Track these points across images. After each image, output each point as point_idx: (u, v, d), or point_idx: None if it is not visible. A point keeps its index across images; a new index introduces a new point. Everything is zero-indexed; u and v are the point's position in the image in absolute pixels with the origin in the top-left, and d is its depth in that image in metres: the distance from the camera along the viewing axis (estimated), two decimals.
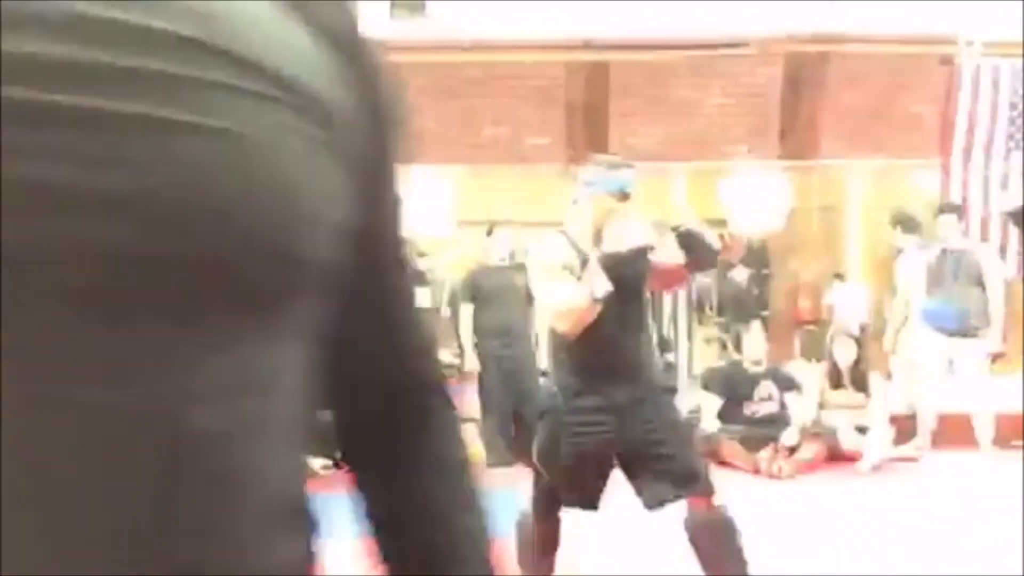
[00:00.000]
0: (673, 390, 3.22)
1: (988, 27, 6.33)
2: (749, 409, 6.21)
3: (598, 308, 2.79)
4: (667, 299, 10.09)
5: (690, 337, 8.37)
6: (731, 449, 5.94)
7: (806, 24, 6.43)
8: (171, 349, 0.49)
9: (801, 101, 6.53)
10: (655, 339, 11.10)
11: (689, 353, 7.98)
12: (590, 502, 3.05)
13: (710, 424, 6.15)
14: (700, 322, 9.45)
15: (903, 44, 6.37)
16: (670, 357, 9.61)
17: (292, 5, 0.55)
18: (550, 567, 3.16)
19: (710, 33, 6.39)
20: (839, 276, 7.65)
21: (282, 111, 0.52)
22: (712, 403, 6.25)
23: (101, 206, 0.45)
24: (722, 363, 6.97)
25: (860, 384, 6.20)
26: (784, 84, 6.52)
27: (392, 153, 0.65)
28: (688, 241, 3.03)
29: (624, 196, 2.94)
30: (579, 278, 2.83)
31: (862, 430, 6.07)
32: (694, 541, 3.01)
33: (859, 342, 6.32)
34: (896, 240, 6.62)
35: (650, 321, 3.18)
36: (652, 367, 3.16)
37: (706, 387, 6.50)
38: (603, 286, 2.76)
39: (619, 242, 2.84)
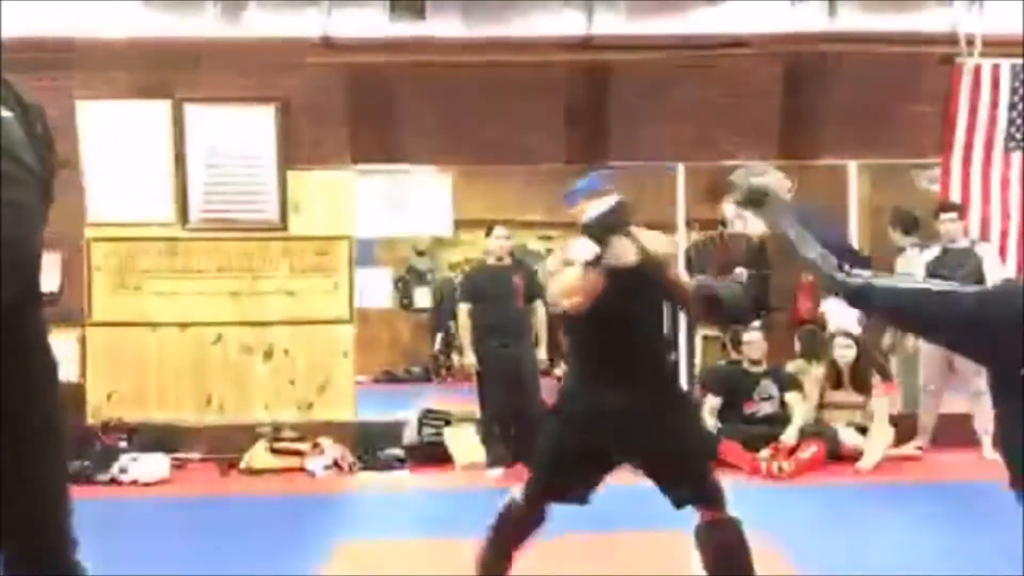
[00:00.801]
0: (689, 396, 3.19)
1: (988, 26, 6.33)
2: (749, 409, 6.21)
3: (597, 278, 2.85)
4: None
5: (690, 336, 8.35)
6: (731, 448, 5.93)
7: (806, 24, 6.43)
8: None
9: (801, 101, 6.52)
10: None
11: (689, 352, 7.97)
12: (580, 497, 3.12)
13: (710, 423, 6.14)
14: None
15: (903, 44, 6.36)
16: (670, 356, 9.63)
17: (14, 116, 1.05)
18: (512, 553, 3.19)
19: (710, 33, 6.38)
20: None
21: (32, 190, 1.00)
22: (712, 402, 6.25)
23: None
24: (722, 363, 6.97)
25: (860, 384, 6.20)
26: (784, 84, 6.51)
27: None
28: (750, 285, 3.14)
29: (599, 194, 3.09)
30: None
31: (862, 430, 6.07)
32: (700, 549, 3.03)
33: (859, 342, 6.32)
34: (896, 240, 6.62)
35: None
36: (667, 372, 3.20)
37: (705, 386, 6.50)
38: (588, 250, 2.87)
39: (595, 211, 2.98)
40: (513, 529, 3.19)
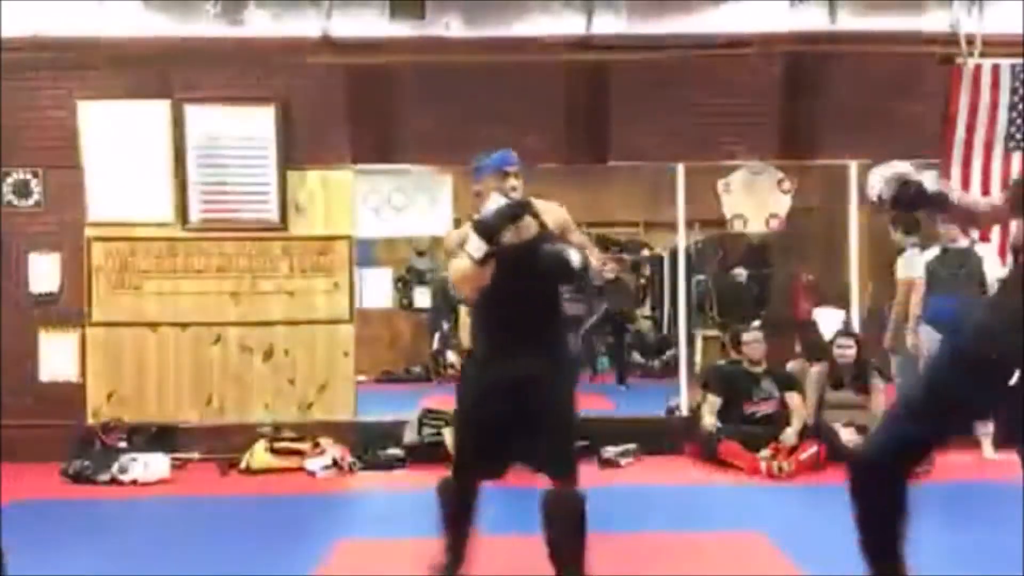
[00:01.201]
0: (573, 371, 3.40)
1: (988, 26, 6.33)
2: (749, 409, 6.21)
3: (486, 269, 3.02)
4: (667, 298, 10.08)
5: (690, 336, 8.36)
6: (731, 448, 5.93)
7: (806, 24, 6.43)
8: None
9: (801, 101, 6.52)
10: (652, 337, 11.00)
11: (689, 352, 7.98)
12: (493, 469, 3.29)
13: (709, 424, 6.15)
14: (700, 321, 9.46)
15: (903, 44, 6.36)
16: (669, 355, 9.64)
17: None
18: (469, 533, 3.36)
19: (710, 33, 6.39)
20: (824, 303, 7.87)
21: None
22: (712, 402, 6.25)
23: None
24: (722, 362, 6.97)
25: (861, 384, 6.19)
26: (784, 84, 6.51)
27: None
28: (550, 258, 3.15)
29: (503, 174, 3.21)
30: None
31: (863, 430, 6.06)
32: (543, 514, 3.17)
33: (859, 342, 6.32)
34: (897, 240, 6.62)
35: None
36: (561, 343, 3.34)
37: (706, 386, 6.50)
38: (478, 247, 2.99)
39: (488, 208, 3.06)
40: (454, 510, 3.34)
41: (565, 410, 3.29)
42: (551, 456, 3.18)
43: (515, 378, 3.13)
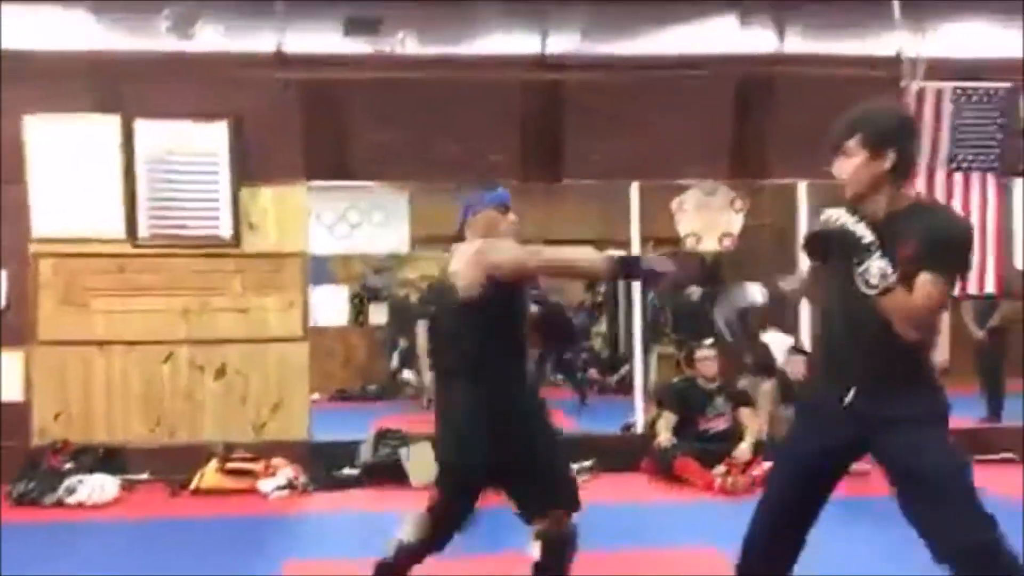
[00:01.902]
0: (543, 406, 3.31)
1: (931, 50, 6.50)
2: (703, 425, 6.27)
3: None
4: (622, 315, 10.15)
5: (646, 353, 8.41)
6: (686, 465, 5.98)
7: (756, 47, 6.55)
8: None
9: (752, 122, 6.64)
10: (608, 354, 11.03)
11: (644, 369, 8.02)
12: (467, 521, 3.15)
13: (665, 440, 6.19)
14: (655, 338, 9.53)
15: (850, 67, 6.51)
16: (624, 371, 9.69)
17: None
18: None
19: (663, 54, 6.48)
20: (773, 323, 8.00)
21: None
22: (669, 419, 6.29)
23: None
24: (676, 379, 7.03)
25: None
26: (736, 105, 6.62)
27: None
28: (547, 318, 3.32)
29: (506, 208, 3.25)
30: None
31: None
32: (553, 552, 3.13)
33: (809, 358, 6.41)
34: None
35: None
36: (530, 385, 3.31)
37: (660, 403, 6.55)
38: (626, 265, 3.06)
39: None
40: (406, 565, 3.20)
41: (558, 441, 3.34)
42: (566, 489, 3.18)
43: (525, 412, 3.12)
